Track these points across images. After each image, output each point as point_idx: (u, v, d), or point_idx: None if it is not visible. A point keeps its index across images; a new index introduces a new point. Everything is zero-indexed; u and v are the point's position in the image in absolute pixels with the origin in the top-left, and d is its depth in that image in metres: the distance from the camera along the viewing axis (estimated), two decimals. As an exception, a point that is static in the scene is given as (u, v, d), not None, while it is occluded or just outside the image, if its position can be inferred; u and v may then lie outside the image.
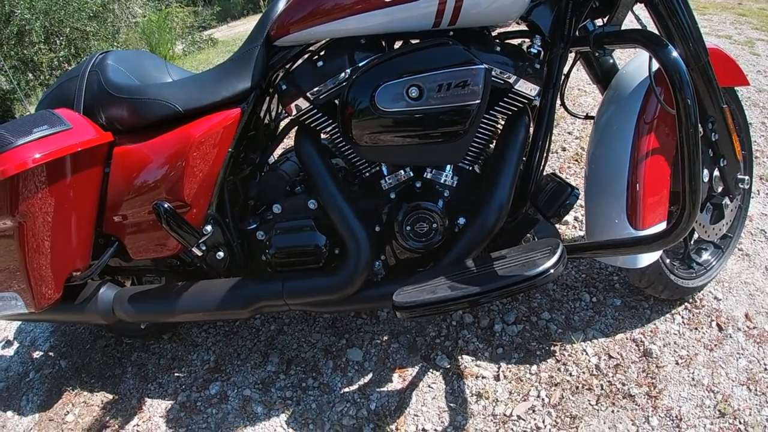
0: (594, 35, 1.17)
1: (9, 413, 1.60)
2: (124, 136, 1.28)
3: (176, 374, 1.59)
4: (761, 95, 2.56)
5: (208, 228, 1.28)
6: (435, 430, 1.31)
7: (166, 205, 1.16)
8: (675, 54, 0.99)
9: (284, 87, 1.22)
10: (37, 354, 1.79)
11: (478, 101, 1.07)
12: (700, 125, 1.24)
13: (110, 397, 1.57)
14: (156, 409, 1.50)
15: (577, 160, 2.15)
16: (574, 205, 1.29)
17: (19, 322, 1.94)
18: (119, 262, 1.45)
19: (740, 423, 1.24)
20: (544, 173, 1.30)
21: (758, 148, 2.16)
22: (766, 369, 1.34)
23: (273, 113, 1.44)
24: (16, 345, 1.86)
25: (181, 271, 1.46)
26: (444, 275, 1.16)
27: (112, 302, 1.36)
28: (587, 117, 1.50)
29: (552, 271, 1.07)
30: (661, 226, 1.27)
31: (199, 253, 1.26)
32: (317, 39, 1.20)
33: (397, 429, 1.32)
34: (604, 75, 1.43)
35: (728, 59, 1.37)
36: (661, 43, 1.02)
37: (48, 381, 1.67)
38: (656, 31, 1.15)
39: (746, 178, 1.42)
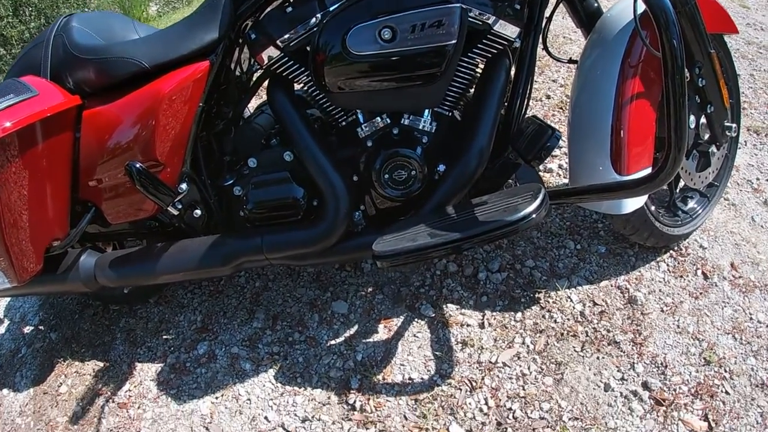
0: None
1: (4, 391, 1.60)
2: (93, 98, 1.25)
3: (164, 337, 1.60)
4: (750, 47, 2.52)
5: (183, 186, 1.26)
6: (422, 378, 1.33)
7: (138, 165, 1.14)
8: None
9: (254, 36, 1.19)
10: (27, 329, 1.78)
11: (454, 41, 1.04)
12: (686, 70, 1.22)
13: (101, 364, 1.58)
14: (146, 372, 1.51)
15: (561, 108, 2.12)
16: (556, 149, 1.27)
17: (7, 299, 1.93)
18: (98, 228, 1.43)
19: (726, 371, 1.25)
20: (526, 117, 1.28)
21: (746, 99, 2.13)
22: (751, 318, 1.35)
23: (244, 65, 1.41)
24: (6, 322, 1.85)
25: (161, 233, 1.45)
26: (424, 223, 1.15)
27: (93, 269, 1.35)
28: (571, 61, 1.47)
29: (534, 215, 1.06)
30: (646, 173, 1.26)
31: (176, 213, 1.25)
32: None
33: (384, 379, 1.34)
34: (588, 18, 1.39)
35: (716, 5, 1.35)
36: None
37: (40, 355, 1.67)
38: None
39: (734, 125, 1.40)
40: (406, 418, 1.26)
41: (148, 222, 1.41)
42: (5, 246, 1.22)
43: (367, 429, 1.24)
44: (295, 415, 1.30)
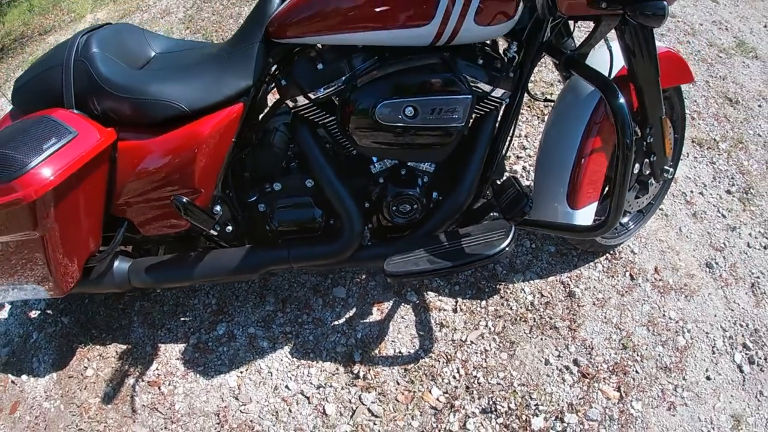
0: (565, 59, 1.33)
1: (24, 377, 1.64)
2: (125, 128, 1.31)
3: (182, 319, 1.73)
4: (711, 50, 2.59)
5: (218, 208, 1.42)
6: (409, 352, 1.65)
7: (185, 200, 1.26)
8: (622, 101, 1.19)
9: (284, 83, 1.33)
10: (34, 314, 1.78)
11: (462, 124, 1.27)
12: (638, 129, 1.48)
13: (123, 347, 1.66)
14: (171, 352, 1.64)
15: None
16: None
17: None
18: (126, 234, 1.49)
19: (638, 355, 1.60)
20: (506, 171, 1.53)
21: (696, 108, 2.33)
22: (664, 315, 1.69)
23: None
24: (7, 307, 1.84)
25: (186, 239, 1.58)
26: (424, 248, 1.44)
27: (127, 274, 1.48)
28: (546, 100, 1.70)
29: (507, 249, 1.37)
30: (594, 206, 1.54)
31: (215, 234, 1.42)
32: (318, 43, 1.30)
33: (380, 353, 1.66)
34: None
35: (679, 60, 1.54)
36: (613, 91, 1.20)
37: (55, 339, 1.70)
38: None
39: (671, 170, 1.63)
40: (398, 383, 1.59)
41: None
42: (50, 269, 1.31)
43: (369, 392, 1.56)
44: (311, 383, 1.60)
